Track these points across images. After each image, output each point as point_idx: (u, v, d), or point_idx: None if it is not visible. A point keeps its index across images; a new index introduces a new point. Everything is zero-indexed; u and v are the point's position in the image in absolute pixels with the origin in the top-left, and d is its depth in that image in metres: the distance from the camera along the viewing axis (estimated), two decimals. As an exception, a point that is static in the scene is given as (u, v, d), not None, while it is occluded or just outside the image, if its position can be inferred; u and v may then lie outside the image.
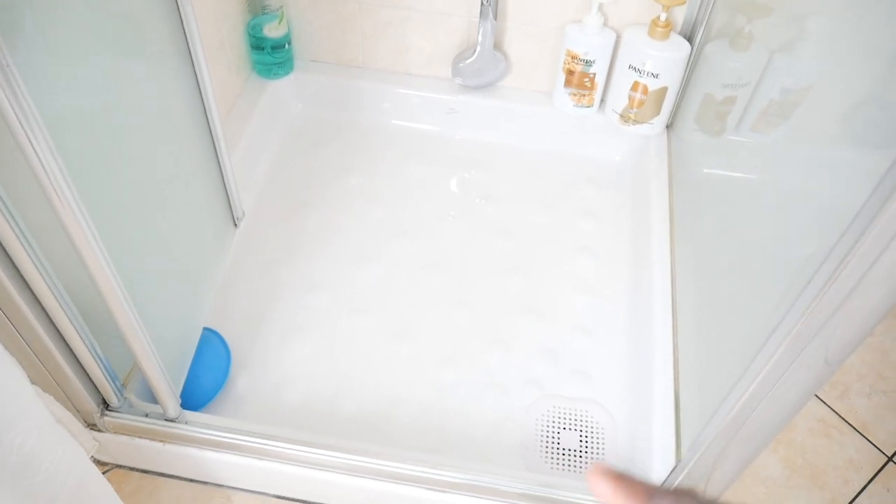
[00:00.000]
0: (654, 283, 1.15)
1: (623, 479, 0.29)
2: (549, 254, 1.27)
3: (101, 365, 0.85)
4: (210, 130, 0.96)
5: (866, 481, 1.04)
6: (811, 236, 0.96)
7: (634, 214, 1.32)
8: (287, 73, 1.41)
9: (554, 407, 1.08)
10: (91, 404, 0.89)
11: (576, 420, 1.07)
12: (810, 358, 0.58)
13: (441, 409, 1.07)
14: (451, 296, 1.20)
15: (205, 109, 0.93)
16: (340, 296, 1.19)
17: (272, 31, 1.33)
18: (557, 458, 1.03)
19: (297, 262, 1.23)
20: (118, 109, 0.76)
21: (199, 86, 0.91)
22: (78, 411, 0.91)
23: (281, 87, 1.42)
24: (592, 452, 1.04)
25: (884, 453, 1.07)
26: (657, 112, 1.31)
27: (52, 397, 0.84)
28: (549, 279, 1.24)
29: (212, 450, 0.93)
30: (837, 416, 1.12)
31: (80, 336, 0.79)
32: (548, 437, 1.05)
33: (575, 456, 1.03)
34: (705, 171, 1.29)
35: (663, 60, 1.22)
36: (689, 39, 1.24)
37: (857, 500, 1.03)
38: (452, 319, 1.18)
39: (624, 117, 1.34)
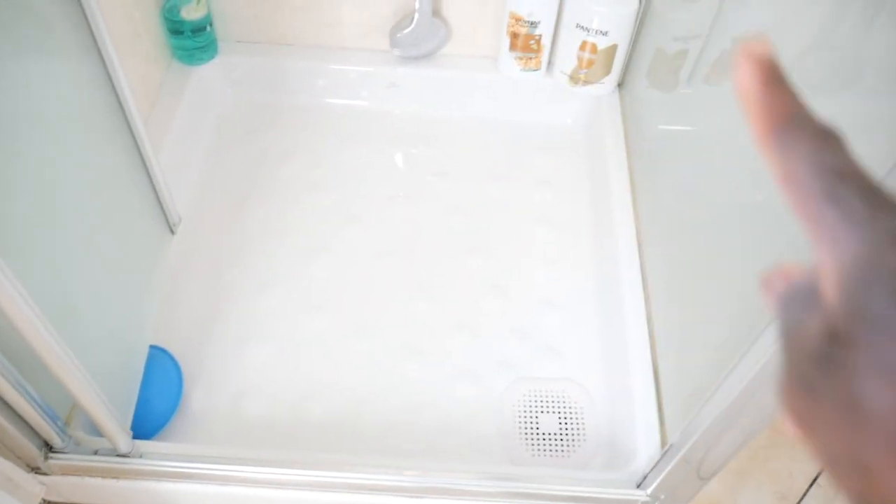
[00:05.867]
0: (619, 249, 1.11)
1: (777, 81, 0.21)
2: (507, 228, 1.22)
3: (37, 407, 0.77)
4: (130, 129, 0.86)
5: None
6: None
7: (592, 179, 1.28)
8: (211, 57, 1.31)
9: (529, 390, 1.04)
10: (32, 449, 0.81)
11: (553, 402, 1.03)
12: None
13: (411, 404, 1.02)
14: (409, 282, 1.15)
15: (121, 106, 0.84)
16: (294, 293, 1.12)
17: (190, 13, 1.22)
18: (539, 444, 0.99)
19: (244, 262, 1.15)
20: (17, 112, 0.67)
21: (111, 80, 0.81)
22: (19, 458, 0.82)
23: (206, 72, 1.31)
24: (573, 434, 1.00)
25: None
26: (608, 71, 1.26)
27: (-15, 448, 0.76)
28: (510, 255, 1.19)
29: (171, 481, 0.86)
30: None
31: (8, 380, 0.71)
32: (526, 423, 1.01)
33: (556, 440, 1.00)
34: (661, 127, 1.25)
35: (611, 17, 1.17)
36: (636, -8, 1.18)
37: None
38: (414, 307, 1.12)
39: (573, 78, 1.29)
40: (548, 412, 1.02)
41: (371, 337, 1.08)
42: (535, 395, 1.04)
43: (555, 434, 1.00)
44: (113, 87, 0.82)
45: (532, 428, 1.01)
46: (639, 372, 0.98)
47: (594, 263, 1.18)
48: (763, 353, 0.58)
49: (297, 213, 1.22)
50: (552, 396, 1.04)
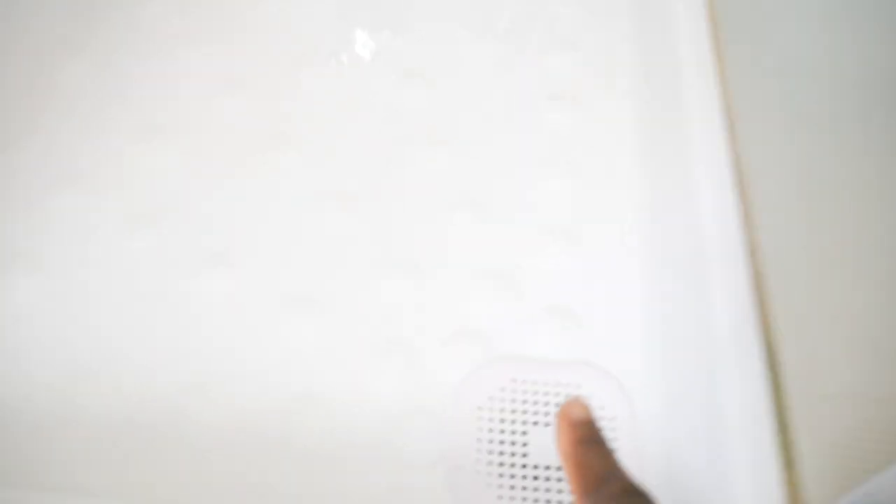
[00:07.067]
0: (693, 146, 0.61)
1: (590, 442, 0.25)
2: (500, 110, 0.74)
3: None
4: None
5: None
6: None
7: (642, 38, 0.78)
8: None
9: (512, 381, 0.55)
10: None
11: (555, 405, 0.54)
12: None
13: (285, 394, 0.56)
14: (319, 184, 0.67)
15: None
16: (113, 195, 0.66)
17: None
18: (522, 492, 0.50)
19: (39, 139, 0.68)
20: None
21: None
22: None
23: None
24: (592, 475, 0.51)
25: None
26: None
27: None
28: (498, 152, 0.70)
29: None
30: None
31: None
32: (502, 444, 0.52)
33: (559, 483, 0.51)
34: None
35: None
36: None
37: None
38: (322, 227, 0.64)
39: None
40: (543, 424, 0.53)
41: (230, 272, 0.62)
42: (523, 392, 0.55)
43: (558, 473, 0.51)
44: None
45: (513, 455, 0.52)
46: (734, 364, 0.48)
47: (642, 168, 0.68)
48: None
49: (146, 70, 0.76)
50: (554, 394, 0.55)
